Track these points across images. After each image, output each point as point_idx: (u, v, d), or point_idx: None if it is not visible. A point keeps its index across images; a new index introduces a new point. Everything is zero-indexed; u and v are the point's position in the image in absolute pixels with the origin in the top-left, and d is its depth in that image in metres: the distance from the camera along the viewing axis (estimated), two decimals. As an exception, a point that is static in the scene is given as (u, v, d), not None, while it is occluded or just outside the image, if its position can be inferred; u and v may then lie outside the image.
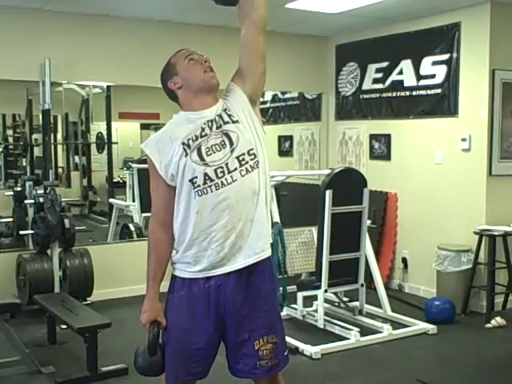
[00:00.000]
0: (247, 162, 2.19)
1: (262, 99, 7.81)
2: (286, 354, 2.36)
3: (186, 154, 2.18)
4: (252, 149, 2.21)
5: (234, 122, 2.22)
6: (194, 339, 2.23)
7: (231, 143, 2.19)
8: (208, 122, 2.22)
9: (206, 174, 2.16)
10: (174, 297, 2.27)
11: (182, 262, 2.24)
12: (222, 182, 2.16)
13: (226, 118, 2.23)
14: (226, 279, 2.20)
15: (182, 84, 2.26)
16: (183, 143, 2.19)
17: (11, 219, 6.36)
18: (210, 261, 2.19)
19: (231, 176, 2.16)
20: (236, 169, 2.17)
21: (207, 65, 2.27)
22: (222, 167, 2.16)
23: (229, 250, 2.18)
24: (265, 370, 2.26)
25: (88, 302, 5.13)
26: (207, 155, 2.17)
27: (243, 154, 2.19)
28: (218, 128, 2.21)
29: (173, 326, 2.27)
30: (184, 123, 2.25)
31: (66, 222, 5.17)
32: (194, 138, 2.20)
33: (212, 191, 2.16)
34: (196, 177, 2.16)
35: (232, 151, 2.18)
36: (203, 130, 2.21)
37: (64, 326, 4.35)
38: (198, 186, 2.17)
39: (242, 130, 2.22)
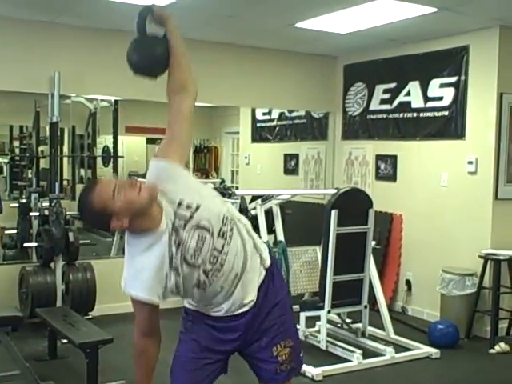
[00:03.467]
0: (227, 231, 2.17)
1: (268, 117, 7.87)
2: (301, 355, 2.43)
3: (179, 274, 2.11)
4: (223, 216, 2.16)
5: (196, 209, 2.10)
6: (210, 356, 2.30)
7: (207, 230, 2.12)
8: (171, 232, 2.09)
9: (204, 271, 2.15)
10: (196, 325, 2.33)
11: (201, 309, 2.31)
12: (220, 263, 2.16)
13: (187, 213, 2.09)
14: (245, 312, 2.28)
15: (127, 220, 2.05)
16: (170, 267, 2.09)
17: (15, 231, 6.36)
18: (228, 309, 2.26)
19: (224, 253, 2.16)
20: (223, 245, 2.16)
21: (137, 186, 2.04)
22: (211, 254, 2.15)
23: (238, 296, 2.23)
24: (284, 374, 2.34)
25: (90, 316, 5.11)
26: (196, 259, 2.12)
27: (221, 229, 2.15)
28: (184, 227, 2.10)
29: (189, 341, 2.33)
30: (152, 249, 2.09)
31: (71, 235, 5.17)
32: (175, 255, 2.09)
33: (216, 276, 2.17)
34: (199, 280, 2.15)
35: (212, 235, 2.13)
36: (174, 241, 2.09)
37: (65, 341, 4.33)
38: (204, 282, 2.16)
39: (206, 209, 2.12)
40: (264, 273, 2.29)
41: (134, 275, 2.11)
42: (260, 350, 2.31)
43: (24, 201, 6.35)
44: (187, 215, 2.09)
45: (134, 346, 2.22)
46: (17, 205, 6.37)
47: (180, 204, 2.10)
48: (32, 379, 3.93)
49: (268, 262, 2.31)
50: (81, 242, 5.40)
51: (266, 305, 2.29)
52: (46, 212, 5.29)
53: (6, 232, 6.67)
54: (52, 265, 5.22)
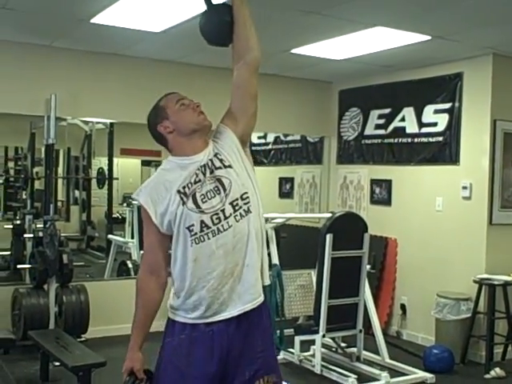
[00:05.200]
0: (241, 207, 2.17)
1: (264, 141, 7.90)
2: None
3: (184, 203, 2.14)
4: (245, 193, 2.19)
5: (226, 166, 2.20)
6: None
7: (224, 189, 2.16)
8: (201, 167, 2.19)
9: (202, 222, 2.14)
10: (175, 340, 2.22)
11: (183, 309, 2.21)
12: (218, 228, 2.14)
13: (218, 163, 2.20)
14: (227, 324, 2.18)
15: (173, 128, 2.22)
16: (179, 191, 2.15)
17: (9, 252, 6.32)
18: (209, 307, 2.17)
19: (227, 222, 2.15)
20: (231, 214, 2.15)
21: (199, 109, 2.24)
22: (217, 213, 2.14)
23: (227, 295, 2.16)
24: None
25: (83, 338, 5.07)
26: (202, 202, 2.15)
27: (237, 200, 2.17)
28: (211, 173, 2.18)
29: (171, 368, 2.22)
30: (177, 170, 2.21)
31: (65, 257, 5.14)
32: (190, 185, 2.16)
33: (209, 238, 2.14)
34: (193, 224, 2.13)
35: (226, 196, 2.16)
36: (197, 175, 2.18)
37: (57, 364, 4.29)
38: (195, 233, 2.14)
39: (234, 174, 2.19)
40: (262, 295, 2.24)
41: (146, 184, 2.25)
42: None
43: (18, 222, 6.32)
44: (217, 165, 2.19)
45: (136, 283, 2.24)
46: (11, 226, 6.34)
47: (217, 154, 2.21)
48: (23, 403, 3.90)
49: (266, 281, 2.28)
50: (75, 263, 5.38)
51: (252, 333, 2.23)
52: (40, 234, 5.27)
53: (0, 253, 6.64)
54: (45, 287, 5.19)
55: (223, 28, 2.35)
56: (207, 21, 2.42)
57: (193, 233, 2.14)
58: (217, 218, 2.14)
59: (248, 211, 2.18)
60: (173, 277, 2.23)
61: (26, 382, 4.32)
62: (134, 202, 7.02)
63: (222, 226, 2.14)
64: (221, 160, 2.20)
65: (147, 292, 2.23)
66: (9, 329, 5.02)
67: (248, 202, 2.19)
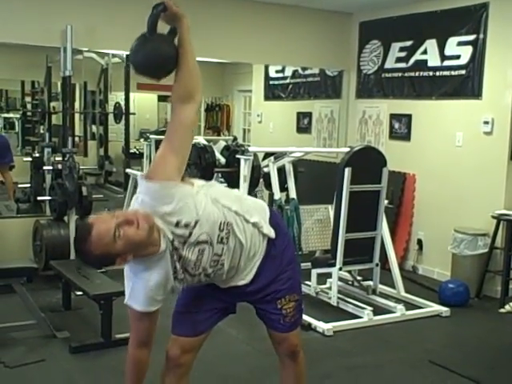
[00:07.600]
0: (224, 235, 2.17)
1: (282, 74, 7.78)
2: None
3: (183, 281, 2.18)
4: (219, 223, 2.16)
5: (193, 226, 2.08)
6: (212, 302, 2.39)
7: (206, 242, 2.14)
8: (172, 250, 2.10)
9: (206, 275, 2.21)
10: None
11: None
12: (221, 264, 2.20)
13: (185, 232, 2.08)
14: None
15: (132, 254, 2.06)
16: (176, 278, 2.15)
17: (29, 185, 6.39)
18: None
19: (224, 254, 2.19)
20: (223, 248, 2.18)
21: (135, 223, 2.00)
22: (212, 259, 2.18)
23: (238, 279, 2.31)
24: (288, 325, 2.40)
25: (103, 269, 5.14)
26: (197, 269, 2.17)
27: (219, 236, 2.16)
28: (184, 245, 2.10)
29: (193, 290, 2.37)
30: (156, 267, 2.11)
31: (84, 189, 5.17)
32: (178, 269, 2.14)
33: (216, 274, 2.23)
34: (200, 280, 2.23)
35: (211, 244, 2.15)
36: (175, 259, 2.11)
37: (79, 293, 4.39)
38: (205, 280, 2.25)
39: (204, 223, 2.11)
40: (265, 245, 2.31)
41: (137, 292, 2.15)
42: (265, 303, 2.37)
43: (37, 155, 6.35)
44: (186, 233, 2.08)
45: (128, 359, 2.24)
46: (30, 159, 6.38)
47: (178, 224, 2.07)
48: (47, 329, 4.01)
49: (272, 234, 2.33)
50: (93, 196, 5.42)
51: (269, 267, 2.33)
52: (59, 166, 5.31)
53: (20, 186, 6.71)
54: (65, 218, 5.26)
55: (167, 62, 2.17)
56: (151, 50, 2.18)
57: (202, 281, 2.25)
58: (214, 262, 2.19)
59: (229, 230, 2.18)
60: None
61: (49, 310, 4.43)
62: (151, 137, 7.02)
63: (222, 259, 2.20)
64: (185, 226, 2.08)
65: (140, 368, 2.25)
66: (31, 258, 5.12)
67: (226, 226, 2.17)
